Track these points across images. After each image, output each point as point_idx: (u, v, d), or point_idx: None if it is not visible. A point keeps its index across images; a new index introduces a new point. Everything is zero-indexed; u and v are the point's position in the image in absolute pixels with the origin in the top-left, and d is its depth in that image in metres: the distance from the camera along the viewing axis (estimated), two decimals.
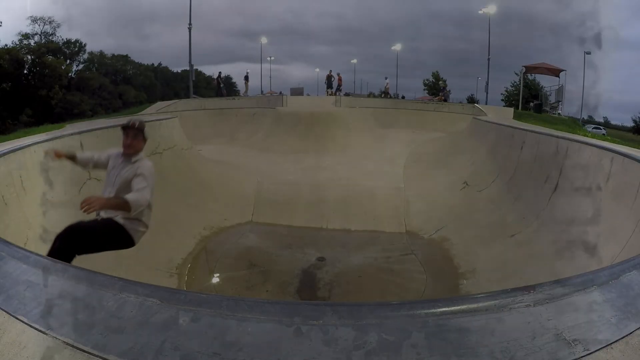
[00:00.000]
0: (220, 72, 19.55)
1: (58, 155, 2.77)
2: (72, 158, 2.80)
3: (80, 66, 22.07)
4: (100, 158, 2.83)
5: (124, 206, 2.37)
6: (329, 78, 17.93)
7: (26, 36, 19.58)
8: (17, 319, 0.98)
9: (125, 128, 2.69)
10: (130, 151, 2.65)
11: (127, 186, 2.53)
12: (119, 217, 2.51)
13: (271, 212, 6.30)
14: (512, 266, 3.96)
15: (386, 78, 20.65)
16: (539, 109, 15.26)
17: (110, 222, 2.51)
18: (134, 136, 2.67)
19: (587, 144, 4.33)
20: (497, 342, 0.90)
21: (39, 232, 2.99)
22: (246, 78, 20.18)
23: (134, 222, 2.56)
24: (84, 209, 2.15)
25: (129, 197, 2.38)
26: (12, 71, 17.68)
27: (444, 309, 0.98)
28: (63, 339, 0.91)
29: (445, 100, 16.03)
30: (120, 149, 2.73)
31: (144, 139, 2.74)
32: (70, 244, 2.30)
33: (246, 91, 19.62)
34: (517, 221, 4.59)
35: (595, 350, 0.90)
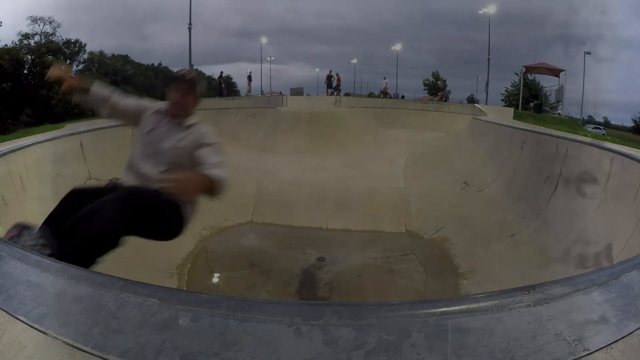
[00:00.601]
0: (222, 72, 19.56)
1: (70, 83, 2.05)
2: (84, 90, 2.09)
3: (81, 66, 22.10)
4: (126, 105, 2.16)
5: (214, 188, 1.78)
6: (329, 78, 17.96)
7: (26, 36, 19.60)
8: (17, 319, 0.98)
9: (176, 80, 2.08)
10: (179, 111, 2.06)
11: (188, 159, 1.94)
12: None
13: (271, 212, 6.30)
14: (512, 266, 3.96)
15: (385, 78, 20.60)
16: (539, 109, 15.29)
17: (167, 199, 1.84)
18: (186, 92, 2.07)
19: (587, 144, 4.33)
20: (497, 342, 0.90)
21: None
22: (249, 78, 20.23)
23: (192, 206, 1.99)
24: (178, 193, 1.64)
25: (216, 174, 1.79)
26: (12, 71, 17.69)
27: (444, 309, 0.98)
28: (63, 339, 0.91)
29: (445, 100, 16.04)
30: (161, 105, 2.13)
31: (197, 98, 2.12)
32: (129, 215, 1.69)
33: (249, 91, 19.64)
34: (517, 221, 4.59)
35: (595, 350, 0.90)
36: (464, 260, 4.64)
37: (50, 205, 1.92)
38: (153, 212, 1.84)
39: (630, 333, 0.96)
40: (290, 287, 4.44)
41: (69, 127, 6.13)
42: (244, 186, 6.86)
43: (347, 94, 18.67)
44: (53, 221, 1.77)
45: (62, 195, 1.91)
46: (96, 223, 1.64)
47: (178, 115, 2.07)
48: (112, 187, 1.93)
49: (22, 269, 1.17)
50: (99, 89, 2.13)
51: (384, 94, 19.62)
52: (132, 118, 2.17)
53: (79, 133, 4.75)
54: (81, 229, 1.64)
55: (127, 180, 1.99)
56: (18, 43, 19.05)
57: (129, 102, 2.19)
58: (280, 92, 19.55)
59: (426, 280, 4.54)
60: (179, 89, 2.07)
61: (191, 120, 2.10)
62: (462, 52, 28.26)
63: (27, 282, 1.10)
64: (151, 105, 2.17)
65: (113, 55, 23.69)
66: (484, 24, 20.02)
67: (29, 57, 19.06)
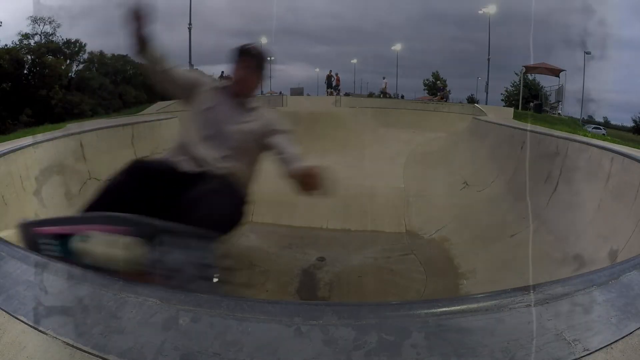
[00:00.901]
0: (222, 72, 19.53)
1: (138, 28, 1.68)
2: (142, 40, 1.71)
3: (80, 66, 22.09)
4: (180, 74, 1.85)
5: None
6: (329, 78, 18.00)
7: (26, 36, 19.60)
8: (17, 319, 0.98)
9: (242, 53, 1.81)
10: (244, 90, 1.84)
11: (254, 145, 1.78)
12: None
13: (271, 212, 6.29)
14: (512, 266, 3.96)
15: (384, 78, 20.63)
16: (539, 109, 15.32)
17: (239, 192, 1.71)
18: (253, 69, 1.83)
19: (587, 144, 4.33)
20: (497, 342, 0.90)
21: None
22: None
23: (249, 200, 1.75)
24: (308, 191, 1.37)
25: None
26: (12, 71, 17.70)
27: (444, 309, 0.98)
28: (63, 339, 0.91)
29: (445, 100, 16.06)
30: (220, 83, 1.90)
31: (261, 77, 1.90)
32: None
33: None
34: (517, 221, 4.59)
35: (595, 350, 0.90)
36: (464, 260, 4.64)
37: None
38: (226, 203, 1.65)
39: (630, 333, 0.96)
40: (290, 287, 4.43)
41: (69, 127, 6.13)
42: None
43: (347, 94, 18.67)
44: (118, 193, 1.56)
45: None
46: (212, 217, 1.45)
47: (241, 94, 1.84)
48: (169, 164, 1.73)
49: (22, 269, 1.17)
50: (156, 47, 1.82)
51: (384, 94, 19.63)
52: (184, 90, 1.88)
53: (79, 133, 4.75)
54: (194, 222, 1.41)
55: (179, 162, 1.75)
56: (18, 43, 19.07)
57: (184, 71, 1.94)
58: (280, 92, 19.53)
59: (426, 280, 4.53)
60: (246, 65, 1.82)
61: (253, 102, 1.89)
62: (462, 52, 28.20)
63: (27, 282, 1.10)
64: (208, 80, 1.93)
65: (113, 55, 23.66)
66: (484, 24, 20.07)
67: (29, 57, 19.07)
